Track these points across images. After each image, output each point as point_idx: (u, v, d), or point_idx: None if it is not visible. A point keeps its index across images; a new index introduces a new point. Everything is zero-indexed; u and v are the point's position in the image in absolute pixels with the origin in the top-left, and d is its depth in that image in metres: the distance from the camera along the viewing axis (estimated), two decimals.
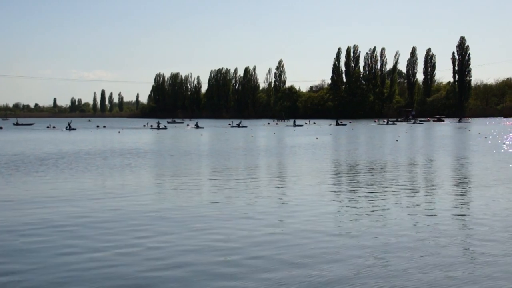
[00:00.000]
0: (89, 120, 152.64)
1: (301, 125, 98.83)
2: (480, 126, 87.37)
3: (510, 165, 26.06)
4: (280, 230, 12.09)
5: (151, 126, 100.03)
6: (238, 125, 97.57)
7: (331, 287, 8.28)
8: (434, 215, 13.64)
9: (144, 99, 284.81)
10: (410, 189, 18.43)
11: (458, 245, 10.69)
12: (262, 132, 74.92)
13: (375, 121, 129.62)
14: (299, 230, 12.04)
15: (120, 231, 12.01)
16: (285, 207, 15.10)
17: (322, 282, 8.48)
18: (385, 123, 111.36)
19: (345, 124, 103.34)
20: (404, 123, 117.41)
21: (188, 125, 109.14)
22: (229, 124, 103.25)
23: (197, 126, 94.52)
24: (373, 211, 14.29)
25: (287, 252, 10.17)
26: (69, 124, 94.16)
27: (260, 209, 14.71)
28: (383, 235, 11.43)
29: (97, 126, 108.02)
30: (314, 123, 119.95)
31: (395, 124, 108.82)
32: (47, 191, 18.40)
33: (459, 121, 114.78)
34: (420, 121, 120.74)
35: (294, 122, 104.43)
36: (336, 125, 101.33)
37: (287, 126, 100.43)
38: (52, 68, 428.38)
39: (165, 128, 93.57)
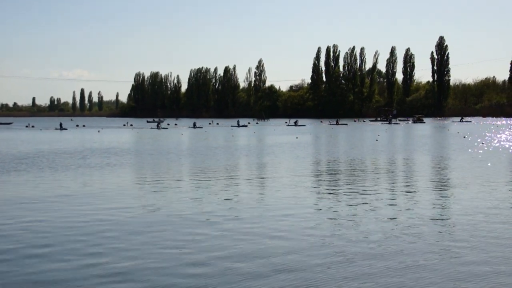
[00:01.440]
0: (72, 120, 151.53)
1: (304, 125, 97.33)
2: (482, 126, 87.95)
3: (489, 164, 26.30)
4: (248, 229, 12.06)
5: (152, 125, 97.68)
6: (238, 125, 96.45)
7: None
8: (410, 214, 13.69)
9: (124, 98, 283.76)
10: (388, 187, 18.61)
11: (432, 245, 10.67)
12: (243, 132, 74.97)
13: (354, 121, 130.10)
14: (272, 230, 12.06)
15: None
16: (261, 206, 15.12)
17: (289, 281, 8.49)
18: (387, 122, 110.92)
19: (346, 124, 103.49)
20: (402, 123, 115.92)
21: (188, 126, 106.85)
22: (231, 126, 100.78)
23: (194, 126, 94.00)
24: (347, 210, 14.34)
25: (254, 252, 10.18)
26: (60, 124, 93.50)
27: (235, 208, 14.73)
28: (355, 236, 11.37)
29: (77, 126, 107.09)
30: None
31: (398, 123, 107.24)
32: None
33: (461, 121, 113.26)
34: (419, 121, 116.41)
35: (296, 122, 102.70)
36: (336, 124, 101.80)
37: (288, 126, 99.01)
38: (31, 67, 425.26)
39: (166, 128, 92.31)
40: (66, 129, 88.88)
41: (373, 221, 12.76)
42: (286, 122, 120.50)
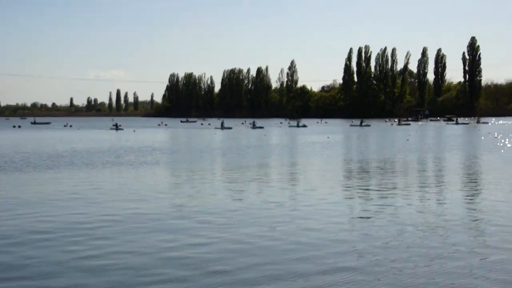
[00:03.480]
0: (113, 120, 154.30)
1: (369, 125, 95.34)
2: None
3: None
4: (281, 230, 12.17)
5: (216, 126, 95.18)
6: (298, 125, 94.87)
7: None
8: (438, 215, 13.75)
9: (158, 98, 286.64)
10: (419, 187, 18.93)
11: (461, 245, 10.65)
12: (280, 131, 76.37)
13: (386, 121, 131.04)
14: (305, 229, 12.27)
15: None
16: (293, 203, 15.74)
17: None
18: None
19: (410, 124, 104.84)
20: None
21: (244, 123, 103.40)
22: (289, 126, 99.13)
23: (254, 126, 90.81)
24: (379, 208, 14.66)
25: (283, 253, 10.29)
26: (116, 124, 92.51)
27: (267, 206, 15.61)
28: (384, 236, 11.46)
29: (113, 125, 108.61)
30: (326, 122, 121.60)
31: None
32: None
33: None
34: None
35: (361, 122, 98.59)
36: (398, 124, 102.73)
37: (351, 126, 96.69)
38: (69, 68, 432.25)
39: (230, 128, 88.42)
40: (122, 129, 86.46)
41: (401, 221, 12.87)
42: (317, 122, 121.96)
